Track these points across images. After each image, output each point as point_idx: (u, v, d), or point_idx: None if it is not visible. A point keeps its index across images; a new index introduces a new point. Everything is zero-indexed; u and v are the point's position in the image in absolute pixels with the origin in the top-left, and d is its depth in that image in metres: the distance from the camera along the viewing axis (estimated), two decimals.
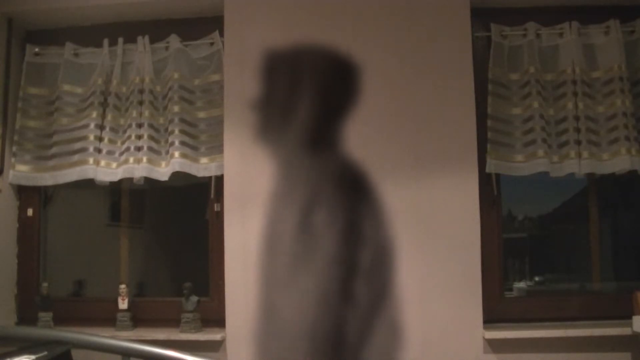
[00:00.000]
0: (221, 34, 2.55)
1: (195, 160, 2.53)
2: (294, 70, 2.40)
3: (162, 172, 2.52)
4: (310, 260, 2.31)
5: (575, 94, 2.38)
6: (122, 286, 2.54)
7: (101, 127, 2.58)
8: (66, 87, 2.63)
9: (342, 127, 2.37)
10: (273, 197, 2.37)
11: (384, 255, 2.30)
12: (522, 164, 2.38)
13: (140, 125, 2.54)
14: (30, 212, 2.69)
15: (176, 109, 2.52)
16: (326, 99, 2.38)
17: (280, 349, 2.30)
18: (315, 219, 2.31)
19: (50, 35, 2.73)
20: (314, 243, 2.31)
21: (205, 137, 2.57)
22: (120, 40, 2.62)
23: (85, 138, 2.56)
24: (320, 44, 2.41)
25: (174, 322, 2.45)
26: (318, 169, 2.35)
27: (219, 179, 2.51)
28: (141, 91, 2.57)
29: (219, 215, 2.51)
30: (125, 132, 2.57)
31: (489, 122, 2.40)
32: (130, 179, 2.54)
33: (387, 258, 2.30)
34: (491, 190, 2.43)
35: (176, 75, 2.55)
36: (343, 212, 2.31)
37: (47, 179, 2.60)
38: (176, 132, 2.50)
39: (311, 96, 2.37)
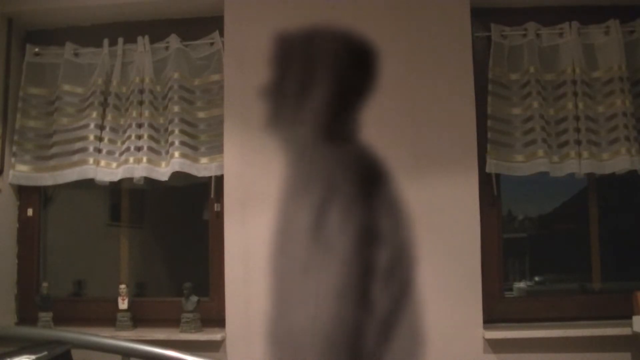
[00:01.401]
0: (221, 34, 2.55)
1: (195, 160, 2.53)
2: (305, 54, 2.32)
3: (162, 172, 2.52)
4: (322, 259, 2.27)
5: (575, 94, 2.37)
6: (122, 286, 2.54)
7: (101, 127, 2.58)
8: (66, 87, 2.63)
9: (356, 116, 2.31)
10: (282, 194, 2.34)
11: (402, 255, 2.26)
12: (522, 164, 2.38)
13: (140, 125, 2.54)
14: (30, 212, 2.69)
15: (176, 109, 2.52)
16: (341, 83, 2.29)
17: (291, 351, 2.28)
18: (328, 216, 2.27)
19: (50, 35, 2.73)
20: (326, 241, 2.28)
21: (205, 137, 2.57)
22: (120, 40, 2.62)
23: (85, 138, 2.56)
24: (332, 26, 2.36)
25: (174, 322, 2.45)
26: (332, 159, 2.27)
27: (219, 179, 2.51)
28: (141, 91, 2.57)
29: (219, 215, 2.51)
30: (125, 132, 2.57)
31: (489, 122, 2.40)
32: (130, 179, 2.54)
33: (406, 257, 2.26)
34: (491, 190, 2.42)
35: (176, 75, 2.55)
36: (359, 207, 2.26)
37: (47, 179, 2.60)
38: (176, 132, 2.50)
39: (324, 81, 2.28)
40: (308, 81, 2.32)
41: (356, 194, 2.25)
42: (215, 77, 2.58)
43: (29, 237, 2.69)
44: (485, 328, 2.27)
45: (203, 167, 2.54)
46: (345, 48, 2.34)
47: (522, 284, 3.05)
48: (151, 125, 2.55)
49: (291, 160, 2.32)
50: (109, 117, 2.57)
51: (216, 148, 2.53)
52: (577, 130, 2.36)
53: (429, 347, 2.26)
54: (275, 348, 2.30)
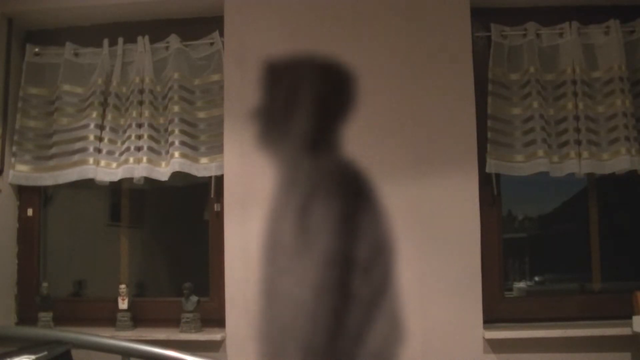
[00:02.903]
0: (221, 34, 2.55)
1: (195, 160, 2.53)
2: (292, 78, 2.41)
3: (162, 172, 2.52)
4: (310, 258, 2.31)
5: (575, 94, 2.37)
6: (122, 286, 2.54)
7: (101, 127, 2.58)
8: (66, 87, 2.63)
9: (341, 131, 2.37)
10: (273, 197, 2.37)
11: (382, 253, 2.30)
12: (522, 164, 2.38)
13: (140, 125, 2.54)
14: (30, 212, 2.69)
15: (176, 109, 2.52)
16: (324, 105, 2.39)
17: (282, 345, 2.30)
18: (315, 218, 2.32)
19: (50, 35, 2.73)
20: (313, 241, 2.31)
21: (205, 137, 2.57)
22: (120, 40, 2.62)
23: (85, 138, 2.56)
24: (318, 53, 2.42)
25: (174, 322, 2.45)
26: (318, 170, 2.35)
27: (219, 179, 2.51)
28: (141, 91, 2.57)
29: (219, 215, 2.51)
30: (125, 132, 2.57)
31: (489, 122, 2.40)
32: (130, 179, 2.54)
33: (386, 255, 2.30)
34: (491, 190, 2.43)
35: (176, 75, 2.55)
36: (342, 211, 2.32)
37: (47, 179, 2.60)
38: (176, 132, 2.50)
39: (310, 103, 2.38)
40: (294, 102, 2.44)
41: (341, 197, 2.35)
42: (215, 77, 2.58)
43: (29, 237, 2.69)
44: (485, 328, 2.27)
45: (203, 167, 2.54)
46: (328, 72, 2.48)
47: (522, 284, 3.05)
48: (151, 125, 2.55)
49: (280, 169, 2.39)
50: (109, 117, 2.57)
51: (216, 148, 2.53)
52: (577, 130, 2.36)
53: (428, 347, 2.26)
54: (267, 345, 2.32)
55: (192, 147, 2.54)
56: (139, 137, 2.53)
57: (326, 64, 2.41)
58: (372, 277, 2.29)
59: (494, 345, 2.27)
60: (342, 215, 2.32)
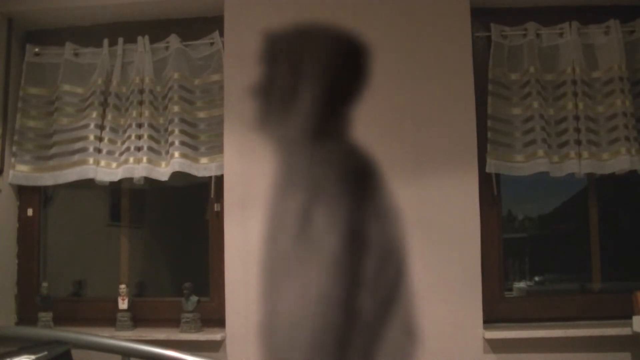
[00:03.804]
0: (221, 34, 2.55)
1: (195, 160, 2.53)
2: (295, 51, 2.34)
3: (162, 172, 2.52)
4: (313, 257, 2.29)
5: (575, 94, 2.38)
6: (122, 286, 2.54)
7: (101, 127, 2.58)
8: (66, 87, 2.63)
9: (347, 115, 2.33)
10: (275, 194, 2.35)
11: (392, 255, 2.27)
12: (522, 164, 2.38)
13: (140, 125, 2.54)
14: (30, 212, 2.69)
15: (176, 109, 2.52)
16: (331, 81, 2.31)
17: (285, 347, 2.29)
18: (319, 215, 2.27)
19: (50, 35, 2.73)
20: (317, 240, 2.29)
21: (205, 137, 2.57)
22: (120, 40, 2.62)
23: (85, 138, 2.56)
24: (323, 23, 2.38)
25: (174, 322, 2.45)
26: (321, 159, 2.29)
27: (219, 179, 2.51)
28: (141, 91, 2.57)
29: (219, 215, 2.51)
30: (125, 132, 2.57)
31: (489, 122, 2.40)
32: (130, 179, 2.54)
33: (396, 258, 2.27)
34: (491, 190, 2.42)
35: (176, 75, 2.55)
36: (349, 206, 2.27)
37: (47, 179, 2.60)
38: (176, 132, 2.50)
39: (315, 79, 2.31)
40: (298, 79, 2.33)
41: (347, 194, 2.28)
42: (215, 77, 2.58)
43: (29, 237, 2.69)
44: (485, 328, 2.27)
45: (203, 167, 2.54)
46: (336, 45, 2.36)
47: (522, 284, 3.05)
48: (151, 125, 2.55)
49: (283, 160, 2.34)
50: (109, 117, 2.57)
51: (216, 148, 2.53)
52: (577, 130, 2.36)
53: (429, 347, 2.26)
54: (269, 346, 2.31)
55: (192, 147, 2.54)
56: (139, 137, 2.53)
57: (332, 35, 2.34)
58: (383, 277, 2.26)
59: (494, 345, 2.27)
60: (348, 211, 2.27)
